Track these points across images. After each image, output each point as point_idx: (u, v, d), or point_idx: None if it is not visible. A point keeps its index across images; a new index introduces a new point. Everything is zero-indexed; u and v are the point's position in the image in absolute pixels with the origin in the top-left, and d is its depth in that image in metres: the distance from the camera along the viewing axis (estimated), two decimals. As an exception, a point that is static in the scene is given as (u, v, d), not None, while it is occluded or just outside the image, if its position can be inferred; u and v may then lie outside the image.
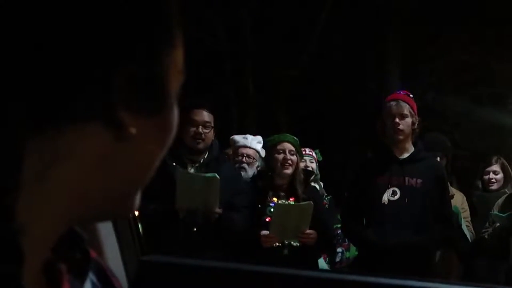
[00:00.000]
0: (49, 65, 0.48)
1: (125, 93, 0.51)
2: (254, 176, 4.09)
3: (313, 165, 5.04)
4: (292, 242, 3.66)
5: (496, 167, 4.84)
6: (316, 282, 1.55)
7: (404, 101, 3.64)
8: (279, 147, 3.76)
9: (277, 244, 3.63)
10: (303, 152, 4.78)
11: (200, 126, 3.62)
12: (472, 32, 12.42)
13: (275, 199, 3.71)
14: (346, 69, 12.66)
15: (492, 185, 4.80)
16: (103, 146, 0.52)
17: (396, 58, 13.08)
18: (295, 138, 3.84)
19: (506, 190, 4.62)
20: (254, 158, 4.62)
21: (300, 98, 13.04)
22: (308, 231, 3.60)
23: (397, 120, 3.59)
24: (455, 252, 4.45)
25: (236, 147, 4.57)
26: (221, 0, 12.08)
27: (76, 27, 0.49)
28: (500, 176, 4.81)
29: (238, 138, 4.64)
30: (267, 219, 3.66)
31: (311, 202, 3.62)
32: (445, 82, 13.39)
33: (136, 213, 1.65)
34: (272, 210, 3.68)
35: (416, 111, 3.67)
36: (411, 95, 3.75)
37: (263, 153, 4.69)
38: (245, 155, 4.53)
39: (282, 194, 3.74)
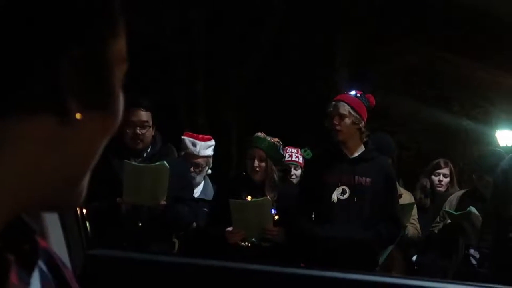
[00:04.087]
0: None
1: (71, 80, 0.51)
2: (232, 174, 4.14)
3: (297, 172, 5.03)
4: (262, 243, 3.68)
5: (446, 171, 5.03)
6: (259, 275, 1.56)
7: (344, 101, 3.66)
8: (250, 152, 3.83)
9: (246, 244, 3.66)
10: (289, 158, 4.89)
11: (138, 127, 3.55)
12: (420, 35, 12.68)
13: (249, 198, 3.74)
14: (296, 70, 12.75)
15: (440, 187, 4.96)
16: (48, 131, 0.52)
17: (345, 59, 13.26)
18: (270, 141, 3.86)
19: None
20: (204, 166, 4.52)
21: (251, 98, 13.07)
22: (272, 228, 3.65)
23: (334, 121, 3.62)
24: (400, 249, 4.54)
25: (187, 153, 4.41)
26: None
27: (15, 12, 0.48)
28: (448, 179, 4.98)
29: (188, 143, 4.45)
30: None
31: (268, 198, 3.67)
32: (392, 83, 13.63)
33: (84, 210, 1.63)
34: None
35: (361, 110, 3.67)
36: (359, 94, 3.76)
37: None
38: (194, 164, 4.38)
39: (257, 193, 3.78)
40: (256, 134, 3.96)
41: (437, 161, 5.15)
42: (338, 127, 3.60)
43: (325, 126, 3.73)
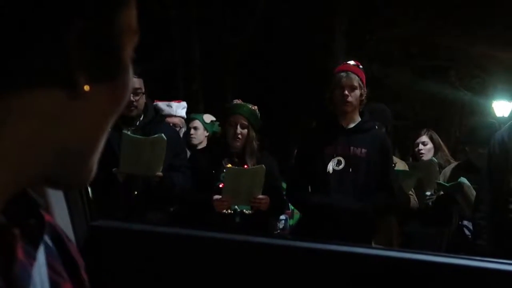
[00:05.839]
0: None
1: (78, 52, 0.50)
2: (210, 141, 4.10)
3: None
4: (244, 210, 3.69)
5: (425, 138, 5.05)
6: (264, 248, 1.59)
7: (354, 72, 3.64)
8: (231, 119, 3.78)
9: (229, 211, 3.67)
10: None
11: (131, 94, 3.53)
12: (418, 5, 12.60)
13: (229, 165, 3.71)
14: (293, 39, 12.68)
15: (422, 156, 4.99)
16: (56, 105, 0.51)
17: (343, 29, 13.18)
18: (251, 108, 3.83)
19: (433, 158, 4.80)
20: (180, 126, 4.57)
21: (246, 65, 13.02)
22: (260, 196, 3.64)
23: (346, 92, 3.59)
24: (397, 219, 4.58)
25: (162, 116, 4.42)
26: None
27: None
28: (429, 146, 5.02)
29: (162, 106, 4.53)
30: (220, 185, 3.68)
31: (263, 166, 3.64)
32: (390, 54, 13.58)
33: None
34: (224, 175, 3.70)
35: (364, 82, 3.68)
36: (361, 66, 3.75)
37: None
38: (171, 124, 4.42)
39: (236, 160, 3.76)
40: (235, 100, 3.93)
41: (418, 131, 5.20)
42: (349, 99, 3.59)
43: (326, 95, 3.72)
